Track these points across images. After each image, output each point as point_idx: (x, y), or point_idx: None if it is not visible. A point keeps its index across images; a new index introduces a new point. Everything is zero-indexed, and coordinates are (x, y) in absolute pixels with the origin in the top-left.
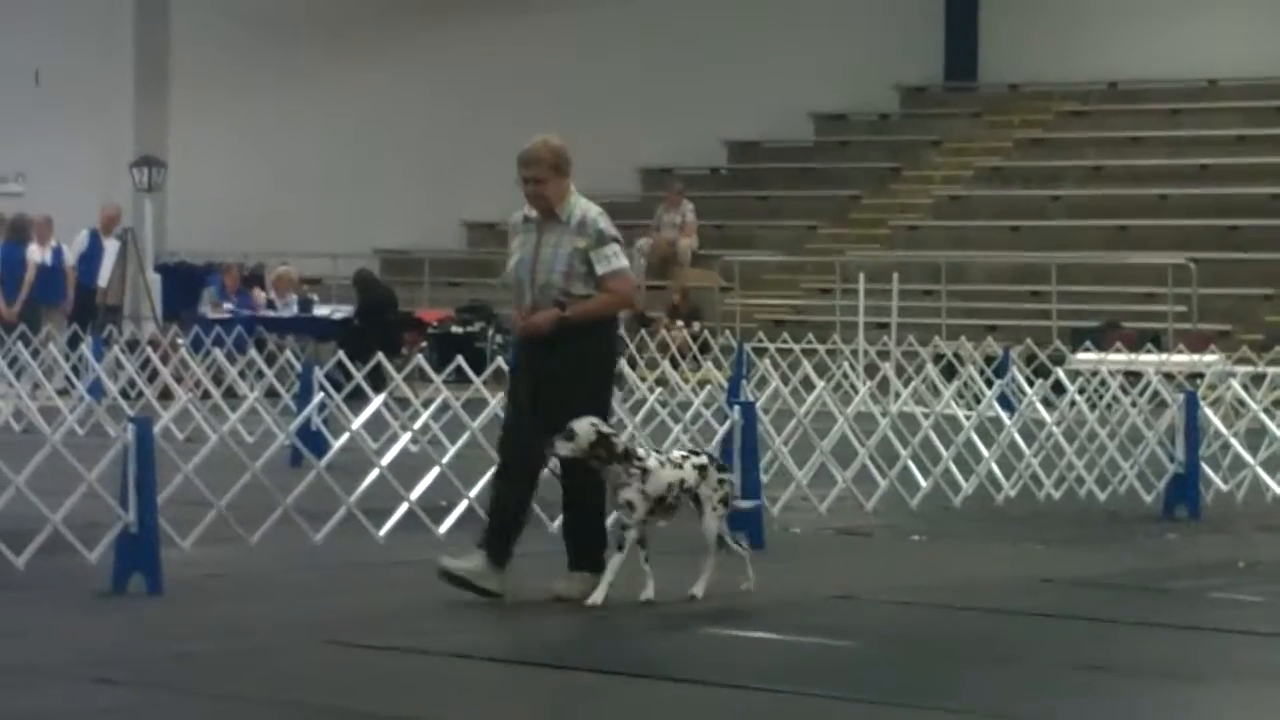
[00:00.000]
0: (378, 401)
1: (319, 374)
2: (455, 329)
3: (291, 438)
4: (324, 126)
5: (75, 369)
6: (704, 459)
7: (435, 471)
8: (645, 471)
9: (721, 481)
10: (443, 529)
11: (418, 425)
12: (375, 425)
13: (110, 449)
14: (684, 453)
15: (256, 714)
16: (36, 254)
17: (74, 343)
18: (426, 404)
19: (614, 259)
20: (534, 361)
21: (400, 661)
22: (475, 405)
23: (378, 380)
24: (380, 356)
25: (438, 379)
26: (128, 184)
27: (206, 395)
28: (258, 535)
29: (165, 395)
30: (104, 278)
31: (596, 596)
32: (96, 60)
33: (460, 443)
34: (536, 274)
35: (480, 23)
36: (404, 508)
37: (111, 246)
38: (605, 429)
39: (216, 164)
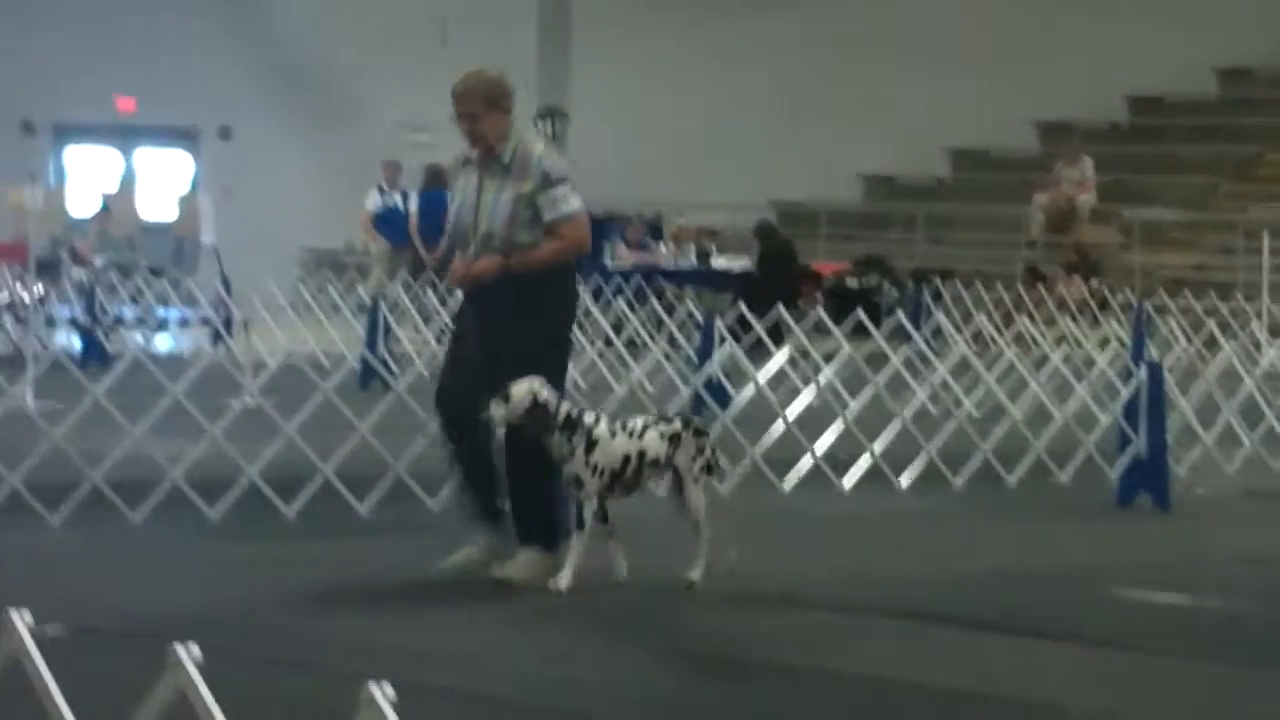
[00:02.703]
0: (781, 355)
1: (720, 325)
2: (850, 282)
3: (698, 388)
4: (722, 77)
5: None
6: (676, 425)
7: (839, 424)
8: (592, 442)
9: (701, 449)
10: (847, 482)
11: (822, 379)
12: (774, 377)
13: None
14: (648, 420)
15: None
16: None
17: None
18: (825, 357)
19: (563, 203)
20: (484, 321)
21: (784, 615)
22: (875, 360)
23: (775, 332)
24: (780, 308)
25: (838, 332)
26: (531, 134)
27: (609, 343)
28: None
29: None
30: None
31: (562, 581)
32: (501, 14)
33: (864, 397)
34: (479, 222)
35: None
36: (808, 460)
37: None
38: (544, 394)
39: (616, 115)
